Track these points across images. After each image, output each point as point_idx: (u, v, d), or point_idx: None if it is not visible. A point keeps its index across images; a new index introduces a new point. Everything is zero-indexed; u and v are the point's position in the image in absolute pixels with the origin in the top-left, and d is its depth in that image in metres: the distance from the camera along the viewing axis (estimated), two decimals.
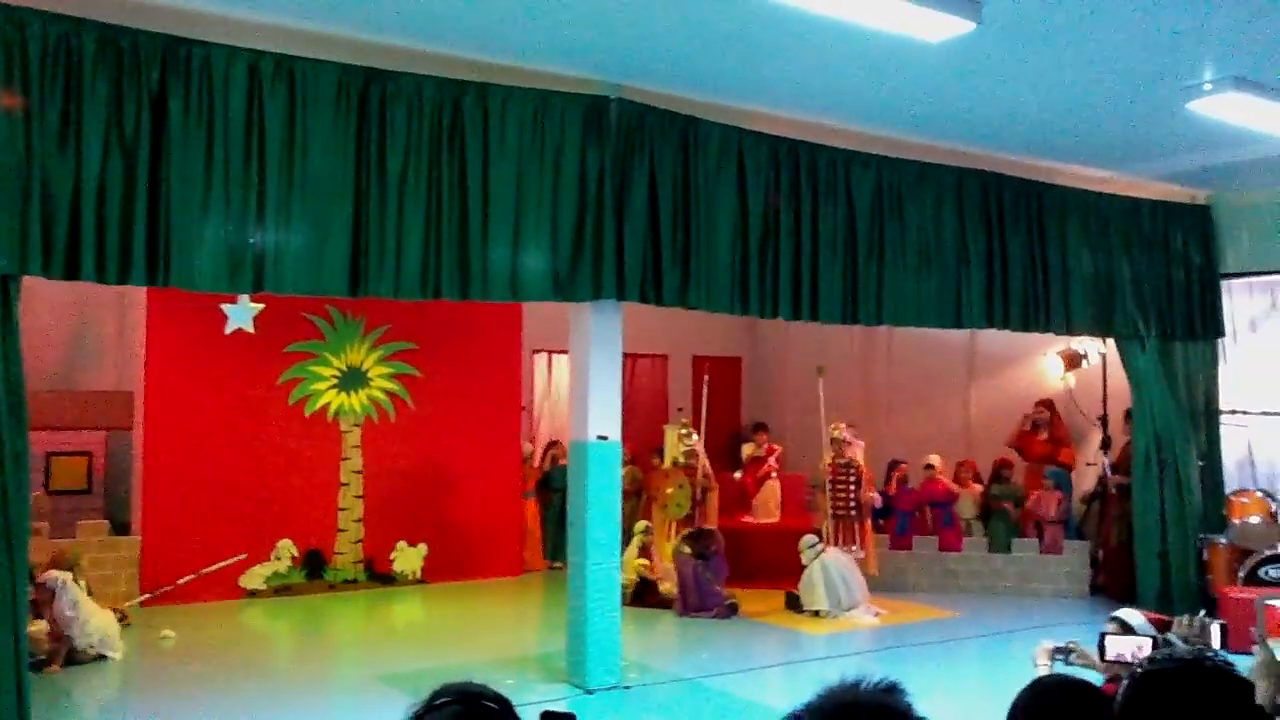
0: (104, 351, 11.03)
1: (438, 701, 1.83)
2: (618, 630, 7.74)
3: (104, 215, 5.83)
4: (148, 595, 9.82)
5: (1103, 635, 3.21)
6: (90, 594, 8.47)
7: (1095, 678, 2.98)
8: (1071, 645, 3.51)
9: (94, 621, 8.17)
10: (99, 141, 5.81)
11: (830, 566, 10.07)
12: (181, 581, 9.89)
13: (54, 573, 8.12)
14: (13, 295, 5.76)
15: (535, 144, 7.19)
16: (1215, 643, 3.38)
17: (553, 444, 12.68)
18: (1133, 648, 2.96)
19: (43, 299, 9.36)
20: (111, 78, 5.84)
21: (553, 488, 12.10)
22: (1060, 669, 3.28)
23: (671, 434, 11.84)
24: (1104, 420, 11.48)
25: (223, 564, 10.09)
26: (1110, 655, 3.15)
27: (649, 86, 7.53)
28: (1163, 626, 3.84)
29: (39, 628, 7.87)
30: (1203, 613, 3.35)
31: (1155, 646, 2.58)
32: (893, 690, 1.47)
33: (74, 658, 8.02)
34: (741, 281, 8.01)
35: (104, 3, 5.86)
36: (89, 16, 5.81)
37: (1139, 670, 1.76)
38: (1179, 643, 2.19)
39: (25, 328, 5.92)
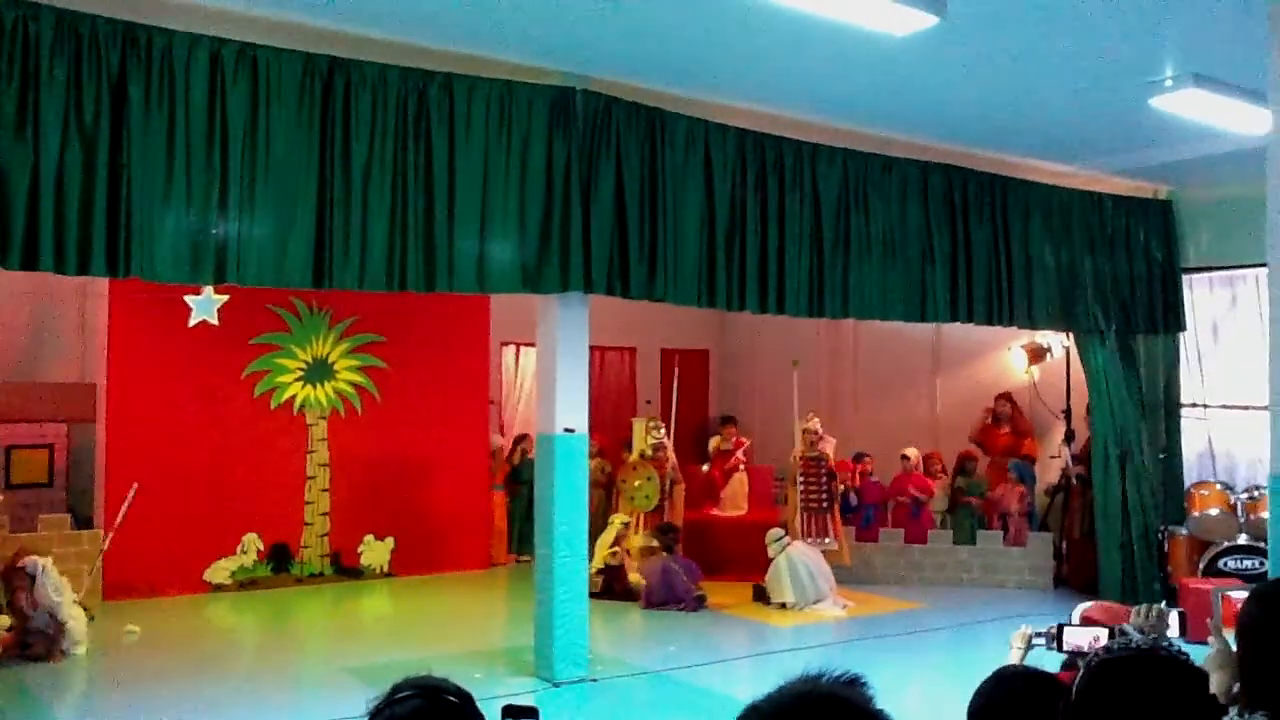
0: (66, 343, 10.90)
1: (399, 695, 1.82)
2: (585, 623, 7.74)
3: (63, 204, 5.75)
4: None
5: (1060, 626, 3.24)
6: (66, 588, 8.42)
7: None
8: (1053, 631, 3.53)
9: (74, 613, 8.12)
10: (57, 129, 5.73)
11: (796, 560, 10.11)
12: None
13: (34, 557, 8.06)
14: None
15: (501, 135, 7.16)
16: (1174, 632, 3.42)
17: (522, 437, 12.65)
18: (1089, 638, 2.99)
19: (2, 289, 9.24)
20: (70, 64, 5.76)
21: (521, 481, 12.08)
22: (1036, 656, 3.31)
23: (639, 427, 11.85)
24: (1067, 413, 11.59)
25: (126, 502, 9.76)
26: (1067, 646, 3.19)
27: (616, 78, 7.52)
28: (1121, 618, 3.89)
29: (2, 622, 7.80)
30: (1163, 603, 3.38)
31: (1111, 636, 2.61)
32: (854, 683, 1.47)
33: (41, 653, 7.94)
34: (708, 274, 8.02)
35: None
36: (46, 2, 5.72)
37: (1094, 659, 1.78)
38: (1135, 634, 2.21)
39: None
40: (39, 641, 7.96)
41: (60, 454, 10.85)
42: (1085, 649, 2.66)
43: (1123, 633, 2.34)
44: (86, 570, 9.29)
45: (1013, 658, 3.40)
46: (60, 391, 10.52)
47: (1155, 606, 3.17)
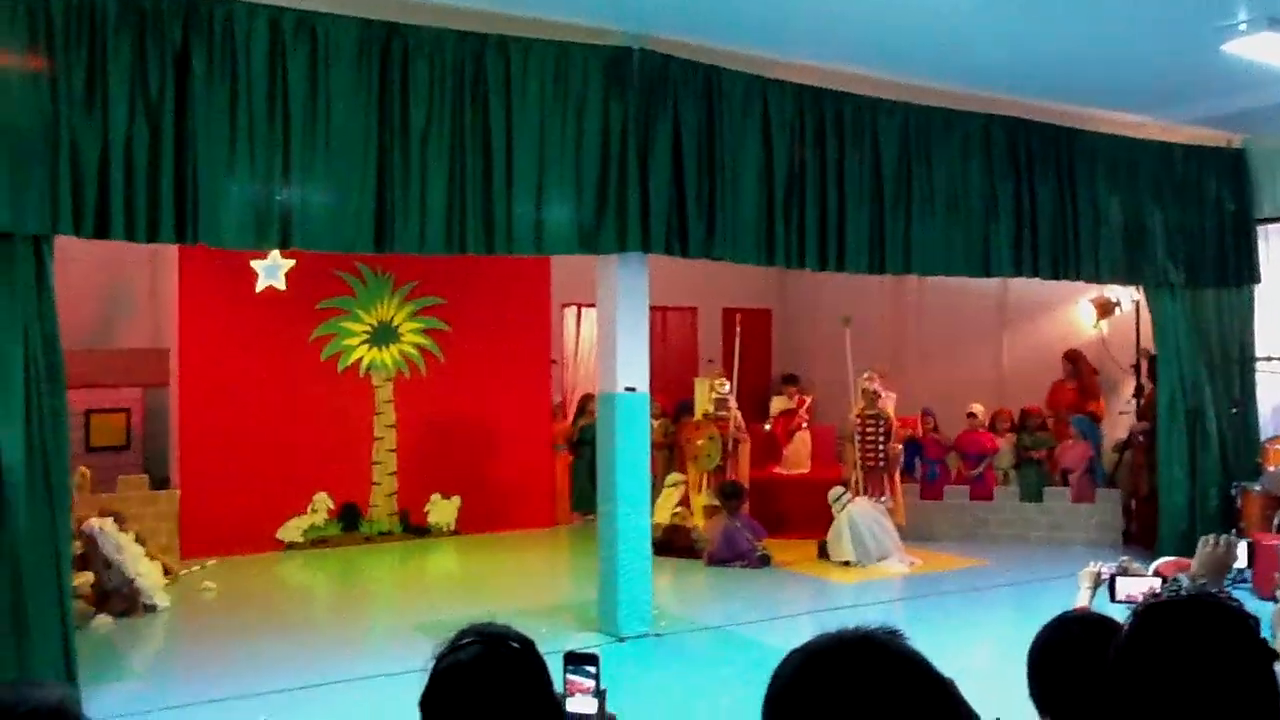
0: (138, 309, 11.18)
1: (462, 642, 1.87)
2: (648, 578, 7.82)
3: (132, 174, 5.90)
4: None
5: (1112, 576, 3.22)
6: (142, 543, 8.69)
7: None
8: (1125, 564, 3.50)
9: (141, 569, 8.38)
10: (124, 102, 5.87)
11: (857, 517, 10.10)
12: None
13: (92, 520, 8.34)
14: (46, 255, 5.86)
15: (557, 96, 7.17)
16: (1242, 561, 3.37)
17: (587, 398, 12.74)
18: (1143, 588, 2.97)
19: (76, 259, 9.47)
20: (134, 38, 5.89)
21: (585, 441, 12.19)
22: (1101, 598, 3.29)
23: (702, 386, 11.87)
24: (1137, 368, 11.39)
25: None
26: (1120, 595, 3.17)
27: (671, 36, 7.47)
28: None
29: (84, 579, 8.08)
30: (1232, 532, 3.33)
31: (1164, 585, 2.60)
32: (892, 634, 1.49)
33: (123, 608, 8.23)
34: (767, 232, 7.98)
35: None
36: None
37: (1142, 605, 1.79)
38: (1186, 581, 2.20)
39: (60, 287, 6.03)
40: (116, 598, 8.24)
41: (136, 417, 11.17)
42: (1138, 598, 2.66)
43: (1175, 582, 2.33)
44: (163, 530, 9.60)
45: (1081, 598, 3.37)
46: (134, 357, 10.80)
47: (1224, 536, 3.12)
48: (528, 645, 1.91)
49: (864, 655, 1.40)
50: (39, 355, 5.82)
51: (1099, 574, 3.45)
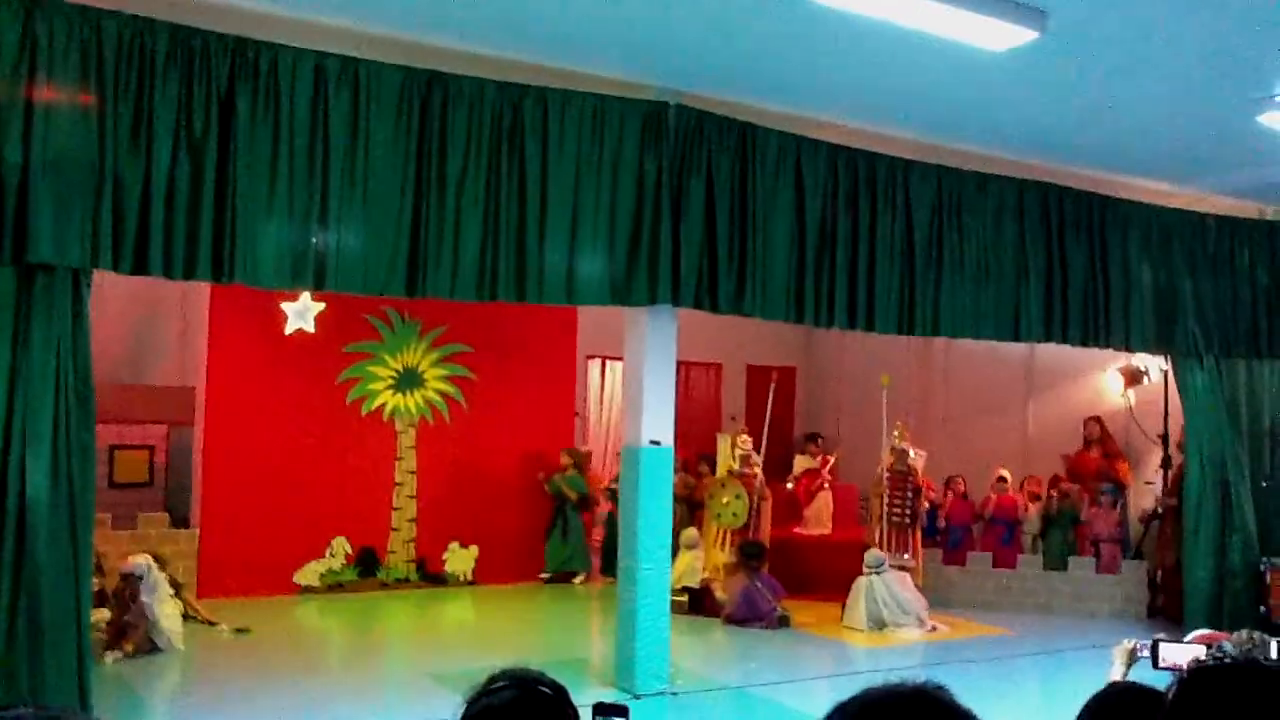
0: (167, 347, 11.25)
1: (494, 685, 1.85)
2: (666, 636, 7.74)
3: (172, 211, 5.96)
4: None
5: (1155, 642, 3.16)
6: (175, 588, 8.75)
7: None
8: (1160, 640, 3.43)
9: (166, 610, 8.37)
10: (169, 139, 5.95)
11: (877, 585, 9.98)
12: None
13: (140, 558, 8.38)
14: (84, 288, 5.91)
15: (593, 148, 7.23)
16: (1272, 657, 3.31)
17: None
18: (1187, 655, 2.91)
19: (109, 294, 9.56)
20: (182, 77, 5.98)
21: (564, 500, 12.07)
22: (1137, 672, 3.23)
23: (725, 442, 11.82)
24: (1164, 439, 11.29)
25: None
26: (1164, 662, 3.11)
27: (707, 92, 7.54)
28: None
29: (100, 615, 8.07)
30: (1263, 609, 3.27)
31: (1208, 651, 2.55)
32: (939, 690, 1.47)
33: (138, 647, 8.19)
34: (797, 289, 7.99)
35: (176, 4, 5.99)
36: (161, 18, 5.95)
37: (1189, 670, 1.75)
38: (1231, 649, 2.16)
39: (92, 322, 6.06)
40: (133, 636, 8.19)
41: (160, 455, 11.20)
42: (1182, 665, 2.60)
43: (1220, 649, 2.28)
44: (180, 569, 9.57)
45: (1114, 673, 3.31)
46: (161, 394, 10.85)
47: (1254, 632, 3.08)
48: (560, 691, 1.89)
49: (919, 708, 1.38)
50: (71, 387, 5.85)
51: (1134, 650, 3.39)
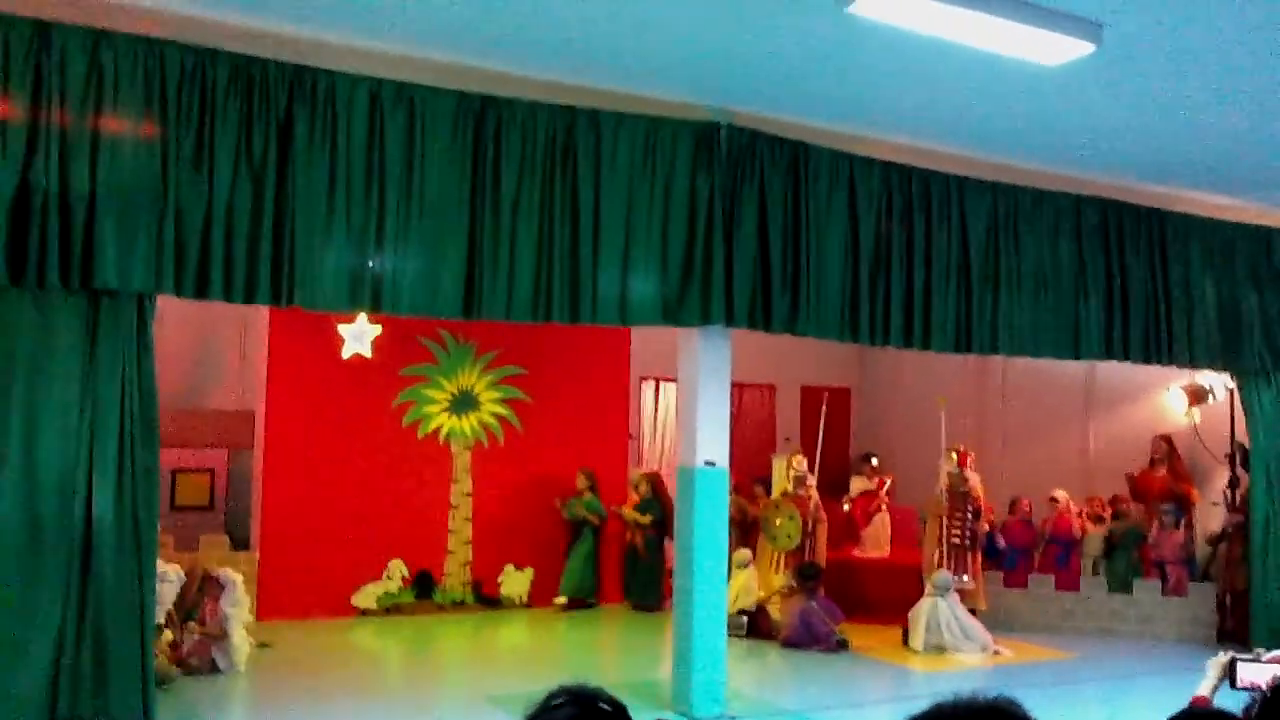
0: (227, 372, 11.43)
1: (554, 703, 1.85)
2: (723, 658, 7.67)
3: (232, 236, 6.08)
4: None
5: (1233, 660, 3.08)
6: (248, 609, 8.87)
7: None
8: (1258, 654, 3.33)
9: (241, 628, 8.47)
10: (229, 165, 6.07)
11: (940, 608, 9.84)
12: None
13: (229, 570, 8.56)
14: (148, 313, 6.04)
15: (646, 169, 7.25)
16: None
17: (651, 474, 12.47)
18: (1266, 675, 2.83)
19: (170, 320, 9.75)
20: (242, 105, 6.11)
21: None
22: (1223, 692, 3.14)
23: (780, 464, 11.74)
24: (1231, 458, 11.04)
25: None
26: (1241, 682, 3.02)
27: (759, 112, 7.54)
28: None
29: (191, 629, 8.21)
30: None
31: None
32: (1011, 703, 1.45)
33: (195, 664, 8.27)
34: (852, 309, 7.94)
35: (236, 34, 6.13)
36: (222, 47, 6.09)
37: (1269, 689, 1.70)
38: None
39: (155, 347, 6.17)
40: (203, 652, 8.28)
41: (220, 478, 11.36)
42: (1261, 685, 2.53)
43: None
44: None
45: (1203, 686, 3.21)
46: (221, 419, 11.02)
47: None
48: (619, 709, 1.88)
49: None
50: (136, 411, 5.97)
51: (1231, 663, 3.27)
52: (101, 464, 5.86)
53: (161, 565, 8.35)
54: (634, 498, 11.91)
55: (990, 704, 1.37)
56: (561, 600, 11.47)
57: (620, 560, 11.95)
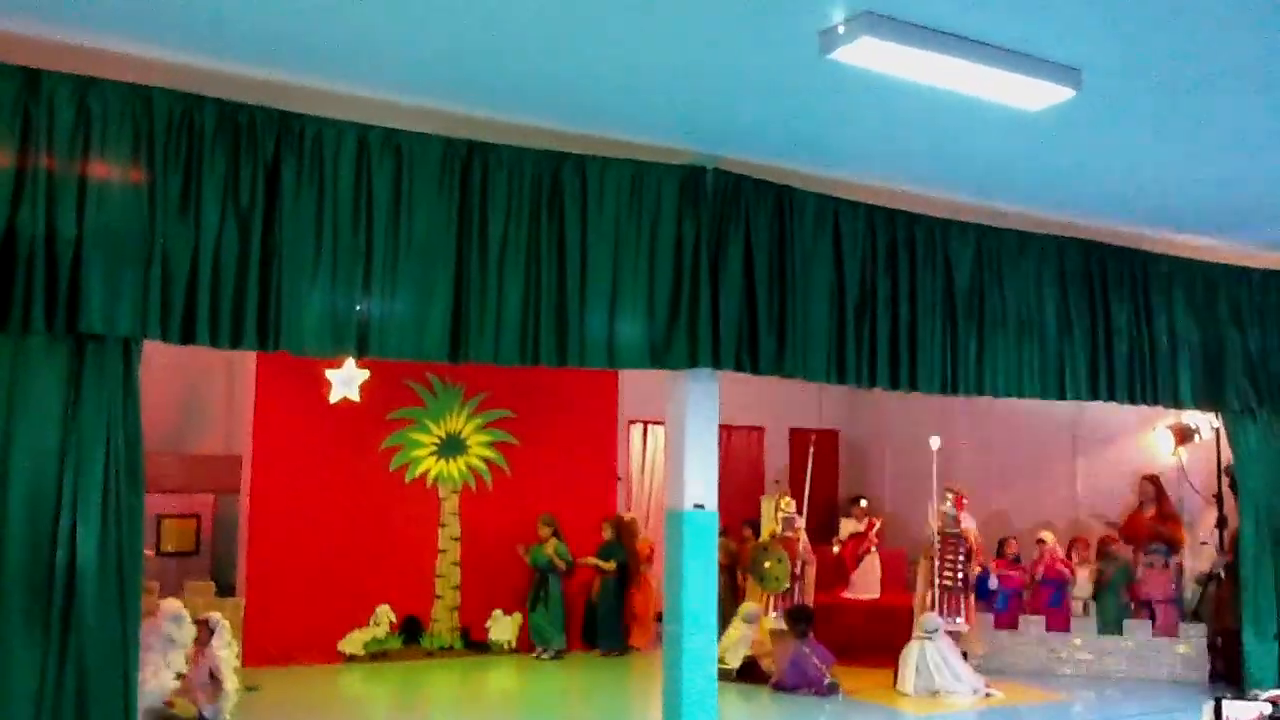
0: (213, 416, 11.39)
1: None
2: (714, 704, 7.61)
3: (219, 281, 6.08)
4: None
5: (1218, 701, 3.07)
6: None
7: None
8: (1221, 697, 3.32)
9: (230, 670, 8.36)
10: (216, 211, 6.09)
11: (930, 650, 9.79)
12: None
13: (216, 614, 8.46)
14: (134, 358, 6.02)
15: (632, 213, 7.30)
16: None
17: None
18: (1252, 714, 2.83)
19: (156, 364, 9.71)
20: (229, 150, 6.14)
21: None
22: None
23: (769, 506, 11.72)
24: (1219, 498, 11.05)
25: None
26: None
27: (744, 156, 7.60)
28: None
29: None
30: None
31: (1275, 709, 2.47)
32: None
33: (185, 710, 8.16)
34: (838, 350, 7.96)
35: (223, 80, 6.17)
36: (209, 94, 6.12)
37: None
38: None
39: (141, 392, 6.14)
40: (190, 697, 8.16)
41: (206, 523, 11.28)
42: None
43: None
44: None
45: None
46: (208, 463, 10.97)
47: None
48: None
49: None
50: (121, 455, 5.93)
51: (1217, 704, 3.27)
52: (85, 509, 5.81)
53: (177, 607, 8.32)
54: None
55: None
56: (543, 654, 11.27)
57: (583, 606, 11.81)
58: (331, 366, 10.47)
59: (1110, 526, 11.49)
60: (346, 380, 10.59)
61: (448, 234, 6.73)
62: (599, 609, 11.74)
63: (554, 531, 11.46)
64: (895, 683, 9.91)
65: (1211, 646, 10.70)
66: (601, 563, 11.66)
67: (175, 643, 8.19)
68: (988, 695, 9.72)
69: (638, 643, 11.78)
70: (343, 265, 6.41)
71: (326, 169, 6.38)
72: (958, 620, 10.30)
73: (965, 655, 10.13)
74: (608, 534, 11.80)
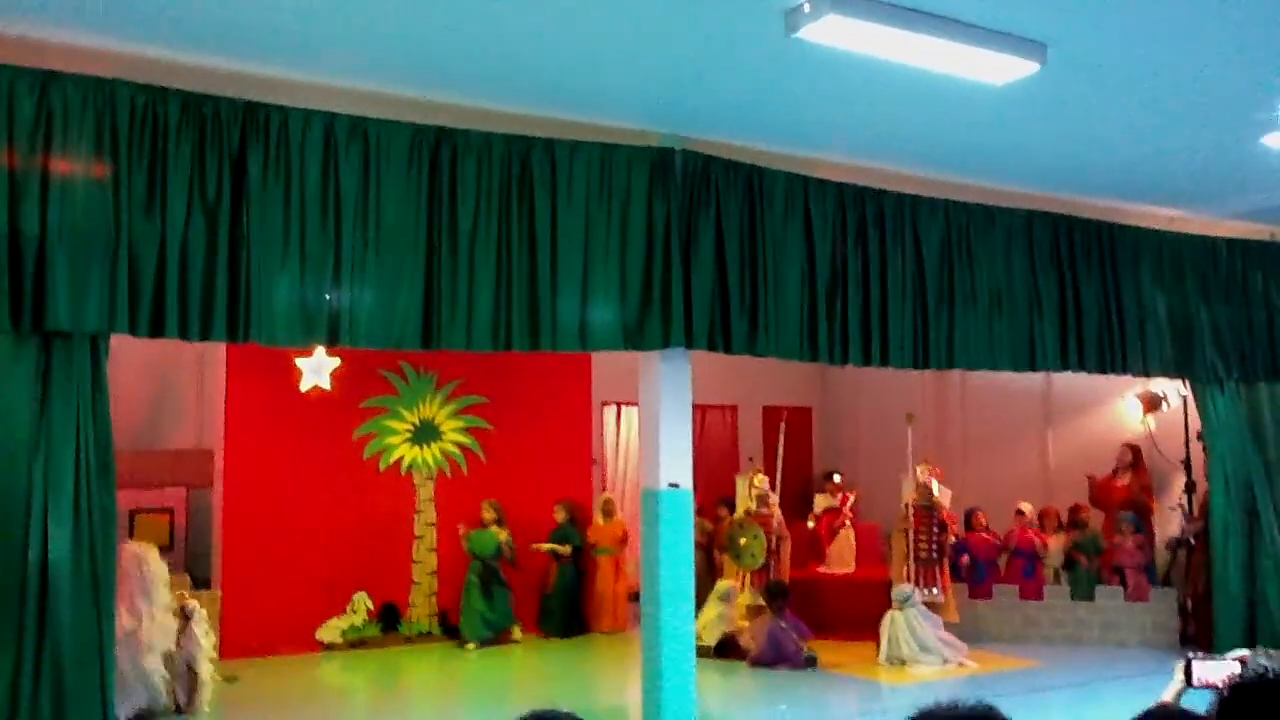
0: (184, 410, 11.30)
1: None
2: (692, 681, 7.66)
3: (187, 274, 6.04)
4: None
5: (1188, 660, 3.12)
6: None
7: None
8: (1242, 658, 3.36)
9: (206, 658, 8.29)
10: (183, 203, 6.04)
11: (899, 620, 9.90)
12: None
13: (193, 601, 8.38)
14: (102, 353, 5.97)
15: (602, 196, 7.29)
16: None
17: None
18: (1222, 673, 2.87)
19: (126, 359, 9.64)
20: (194, 142, 6.08)
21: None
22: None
23: (743, 484, 11.78)
24: (1187, 464, 11.21)
25: None
26: (1197, 680, 3.06)
27: (713, 137, 7.61)
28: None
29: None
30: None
31: (1243, 668, 2.52)
32: (991, 709, 1.49)
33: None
34: (810, 328, 8.00)
35: (188, 71, 6.10)
36: (173, 85, 6.06)
37: (1227, 687, 1.74)
38: (1267, 663, 2.13)
39: (111, 388, 6.10)
40: (170, 687, 8.09)
41: (180, 518, 11.19)
42: (1217, 683, 2.57)
43: (1255, 663, 2.25)
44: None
45: (1168, 691, 3.22)
46: (179, 458, 10.89)
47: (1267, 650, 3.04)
48: None
49: None
50: (91, 453, 5.89)
51: (1187, 664, 3.30)
52: (57, 508, 5.77)
53: (133, 547, 8.14)
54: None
55: (972, 710, 1.41)
56: (472, 646, 10.87)
57: (538, 589, 11.61)
58: (302, 355, 10.41)
59: (1089, 479, 11.59)
60: (317, 369, 10.54)
61: (417, 221, 6.71)
62: (556, 594, 11.58)
63: (498, 519, 11.15)
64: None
65: (1182, 610, 10.88)
66: (558, 547, 11.60)
67: (147, 577, 7.96)
68: (961, 665, 9.83)
69: (600, 626, 11.73)
70: (312, 255, 6.37)
71: (293, 158, 6.33)
72: (934, 591, 10.41)
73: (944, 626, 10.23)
74: (560, 517, 11.63)
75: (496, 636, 11.06)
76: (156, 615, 7.87)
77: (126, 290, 5.86)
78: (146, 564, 8.00)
